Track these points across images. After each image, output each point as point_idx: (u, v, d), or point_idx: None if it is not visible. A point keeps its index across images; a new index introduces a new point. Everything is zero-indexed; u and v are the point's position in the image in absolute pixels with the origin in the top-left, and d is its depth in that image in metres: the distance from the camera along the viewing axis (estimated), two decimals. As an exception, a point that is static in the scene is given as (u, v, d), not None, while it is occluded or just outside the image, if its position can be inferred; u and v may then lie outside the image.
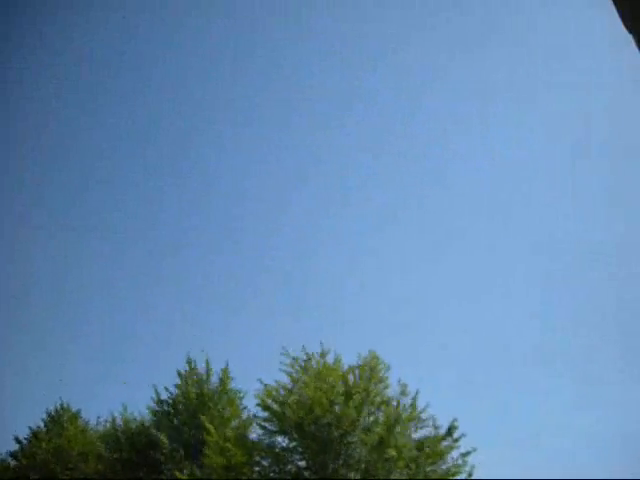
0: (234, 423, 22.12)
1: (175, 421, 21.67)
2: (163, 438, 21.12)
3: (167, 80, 52.83)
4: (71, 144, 52.18)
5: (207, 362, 23.54)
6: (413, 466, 18.30)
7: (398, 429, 18.74)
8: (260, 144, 53.44)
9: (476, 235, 48.59)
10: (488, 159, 51.77)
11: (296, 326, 41.72)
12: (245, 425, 21.94)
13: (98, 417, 27.06)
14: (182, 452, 20.89)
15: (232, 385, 23.44)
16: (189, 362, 23.34)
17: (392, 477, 17.93)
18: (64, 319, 49.07)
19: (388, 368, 19.92)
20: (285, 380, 19.99)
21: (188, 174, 55.32)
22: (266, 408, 19.79)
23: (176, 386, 23.05)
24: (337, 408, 18.71)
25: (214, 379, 23.41)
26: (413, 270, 48.95)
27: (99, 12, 38.71)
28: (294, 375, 19.89)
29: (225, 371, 23.42)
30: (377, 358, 19.87)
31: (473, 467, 18.37)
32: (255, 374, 29.99)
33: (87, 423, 27.29)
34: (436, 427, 18.92)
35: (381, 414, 19.30)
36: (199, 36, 49.78)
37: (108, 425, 25.85)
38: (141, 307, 48.48)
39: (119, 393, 39.68)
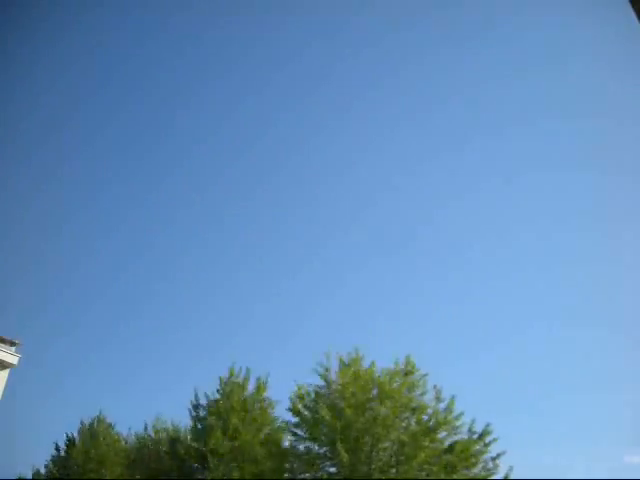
0: (266, 431, 22.18)
1: (209, 427, 21.78)
2: (195, 445, 21.31)
3: (171, 81, 53.69)
4: (76, 145, 53.27)
5: (248, 370, 23.79)
6: (444, 471, 18.14)
7: (431, 434, 18.58)
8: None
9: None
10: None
11: (332, 330, 42.25)
12: (277, 432, 22.01)
13: (129, 428, 27.58)
14: (214, 458, 20.97)
15: (267, 394, 23.53)
16: (231, 370, 23.54)
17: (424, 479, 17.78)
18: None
19: (425, 375, 19.68)
20: (319, 383, 20.01)
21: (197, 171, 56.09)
22: (297, 413, 19.87)
23: (217, 391, 23.26)
24: (370, 413, 18.59)
25: (251, 387, 23.57)
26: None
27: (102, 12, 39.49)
28: (329, 378, 19.88)
29: (260, 381, 23.57)
30: (413, 364, 19.72)
31: (511, 468, 18.04)
32: (288, 381, 30.30)
33: (119, 434, 27.76)
34: (472, 432, 18.70)
35: (414, 419, 19.13)
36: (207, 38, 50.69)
37: (140, 435, 26.20)
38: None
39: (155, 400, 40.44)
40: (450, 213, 51.74)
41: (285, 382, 33.28)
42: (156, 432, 24.07)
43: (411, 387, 19.41)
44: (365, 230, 53.21)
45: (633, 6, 3.61)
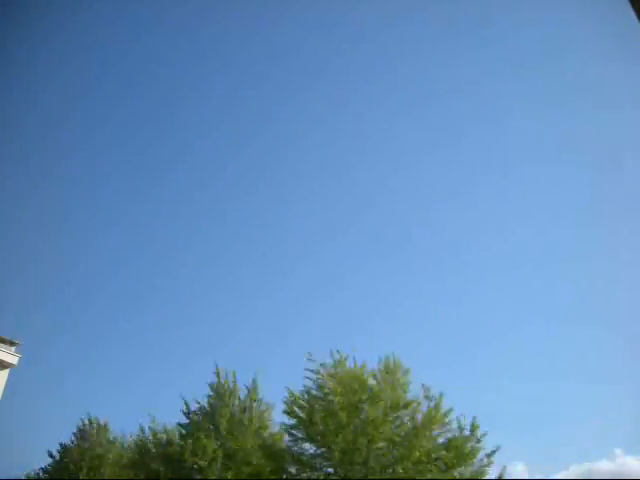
0: (264, 434, 22.12)
1: (204, 432, 21.71)
2: (190, 449, 21.22)
3: (169, 77, 53.58)
4: (75, 142, 53.18)
5: (234, 374, 23.61)
6: (439, 469, 18.20)
7: (423, 432, 18.70)
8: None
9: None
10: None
11: (318, 332, 42.42)
12: (274, 436, 21.95)
13: (123, 429, 27.56)
14: (210, 463, 20.91)
15: (261, 396, 23.42)
16: (217, 373, 23.36)
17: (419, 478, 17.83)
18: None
19: (408, 371, 19.92)
20: (311, 385, 20.09)
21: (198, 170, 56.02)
22: (292, 415, 19.93)
23: (209, 397, 23.12)
24: (362, 414, 18.71)
25: (243, 390, 23.43)
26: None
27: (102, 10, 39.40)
28: (319, 382, 19.97)
29: (254, 382, 23.47)
30: (397, 361, 19.94)
31: (504, 467, 18.41)
32: (282, 382, 30.42)
33: (115, 435, 27.71)
34: (461, 428, 18.87)
35: (406, 418, 19.25)
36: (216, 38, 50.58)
37: (136, 437, 26.27)
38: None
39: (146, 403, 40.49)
40: (449, 207, 51.70)
41: (287, 379, 33.30)
42: (154, 434, 23.98)
43: (396, 385, 19.51)
44: (364, 226, 53.23)
45: (633, 5, 3.61)
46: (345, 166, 55.62)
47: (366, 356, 20.68)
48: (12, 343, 14.72)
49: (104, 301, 51.74)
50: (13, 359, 14.62)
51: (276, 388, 24.16)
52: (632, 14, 3.49)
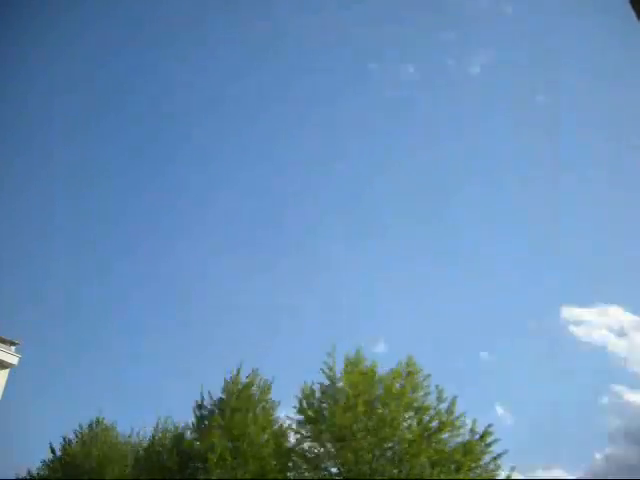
0: (269, 430, 22.17)
1: (212, 427, 21.80)
2: (199, 444, 21.30)
3: (165, 75, 53.62)
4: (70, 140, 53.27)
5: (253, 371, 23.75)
6: (449, 469, 18.21)
7: (435, 435, 18.66)
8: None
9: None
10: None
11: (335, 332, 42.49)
12: (279, 433, 21.99)
13: (132, 428, 27.52)
14: (217, 458, 20.96)
15: (269, 395, 23.47)
16: (238, 370, 23.27)
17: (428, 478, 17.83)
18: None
19: (427, 376, 19.80)
20: (324, 382, 20.11)
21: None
22: (302, 412, 19.92)
23: (223, 390, 23.23)
24: (376, 413, 18.69)
25: (254, 388, 23.46)
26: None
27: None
28: (333, 378, 19.98)
29: (265, 383, 23.52)
30: (415, 364, 19.84)
31: (513, 468, 18.26)
32: (291, 379, 30.49)
33: (119, 435, 27.74)
34: (473, 432, 18.77)
35: (416, 420, 19.18)
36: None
37: (142, 435, 26.29)
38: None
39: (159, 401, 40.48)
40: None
41: (290, 378, 33.20)
42: (163, 433, 24.07)
43: (415, 388, 19.45)
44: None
45: (633, 6, 3.60)
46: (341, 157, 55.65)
47: (385, 358, 20.75)
48: (12, 343, 14.74)
49: (101, 299, 51.77)
50: (13, 359, 14.62)
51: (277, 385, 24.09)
52: (632, 14, 3.48)
